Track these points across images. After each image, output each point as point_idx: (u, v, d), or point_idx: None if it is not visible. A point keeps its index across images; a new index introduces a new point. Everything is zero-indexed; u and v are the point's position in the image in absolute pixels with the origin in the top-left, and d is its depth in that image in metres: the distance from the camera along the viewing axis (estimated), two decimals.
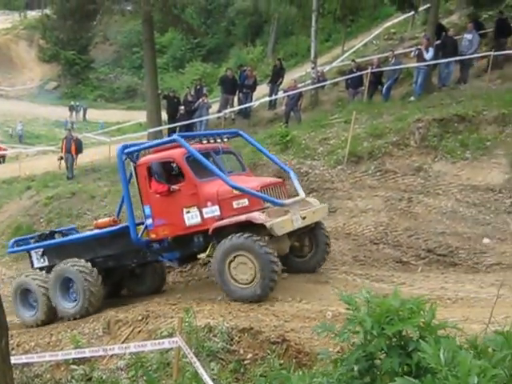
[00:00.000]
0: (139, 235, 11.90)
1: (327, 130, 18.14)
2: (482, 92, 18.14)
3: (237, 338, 8.67)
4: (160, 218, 11.55)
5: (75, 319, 11.99)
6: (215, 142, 12.17)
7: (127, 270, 13.42)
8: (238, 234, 10.44)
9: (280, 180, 12.13)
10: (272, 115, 24.60)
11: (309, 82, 25.78)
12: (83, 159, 25.75)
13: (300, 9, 33.26)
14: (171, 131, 25.48)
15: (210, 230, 10.85)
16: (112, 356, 9.30)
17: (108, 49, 66.17)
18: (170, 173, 11.72)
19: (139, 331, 10.01)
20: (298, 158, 16.50)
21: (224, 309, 10.05)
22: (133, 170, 11.91)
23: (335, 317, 8.69)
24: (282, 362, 7.88)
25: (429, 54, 19.78)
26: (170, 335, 8.64)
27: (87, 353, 9.04)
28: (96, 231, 13.15)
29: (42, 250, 13.45)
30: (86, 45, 60.14)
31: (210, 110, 25.25)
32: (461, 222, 13.28)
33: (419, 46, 20.72)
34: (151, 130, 24.94)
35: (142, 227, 11.96)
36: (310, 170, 15.90)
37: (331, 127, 18.21)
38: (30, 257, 13.68)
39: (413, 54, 20.90)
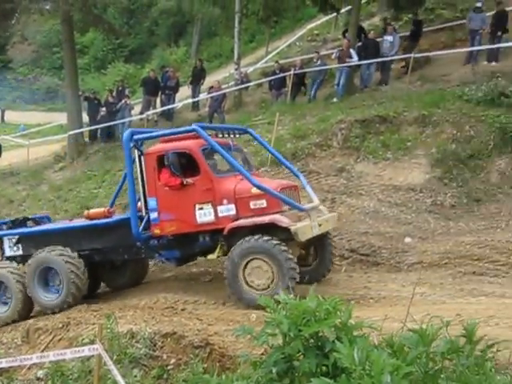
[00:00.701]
0: (140, 229, 11.00)
1: None
2: (402, 93, 18.58)
3: (160, 344, 8.52)
4: (167, 213, 10.76)
5: (54, 313, 11.15)
6: (228, 136, 11.45)
7: (109, 263, 12.59)
8: (257, 236, 9.87)
9: (295, 184, 11.50)
10: (195, 117, 24.45)
11: (232, 83, 25.79)
12: (1, 162, 24.93)
13: (223, 10, 33.23)
14: (92, 133, 25.07)
15: (226, 230, 10.23)
16: (32, 366, 8.97)
17: (27, 49, 64.16)
18: (181, 165, 10.84)
19: (60, 339, 9.73)
20: None
21: (147, 314, 9.89)
22: (137, 158, 11.08)
23: (259, 319, 8.64)
24: (205, 366, 7.78)
25: (353, 56, 20.10)
26: (91, 342, 8.38)
27: (4, 363, 8.68)
28: (87, 222, 12.12)
29: (16, 237, 12.36)
30: (3, 44, 58.16)
31: (133, 112, 24.91)
32: (383, 222, 13.51)
33: (341, 48, 21.02)
34: (72, 132, 24.37)
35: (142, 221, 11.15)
36: None
37: (255, 128, 18.13)
38: (1, 244, 12.51)
39: (334, 55, 21.18)
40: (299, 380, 3.78)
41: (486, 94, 16.11)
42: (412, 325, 5.09)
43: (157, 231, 10.87)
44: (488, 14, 20.98)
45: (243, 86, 24.77)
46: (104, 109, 24.37)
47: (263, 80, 25.01)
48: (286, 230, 9.82)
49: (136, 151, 11.09)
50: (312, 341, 3.72)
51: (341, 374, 3.40)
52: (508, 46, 19.46)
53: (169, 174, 10.69)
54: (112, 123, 23.77)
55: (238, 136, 11.81)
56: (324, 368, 3.66)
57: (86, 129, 25.26)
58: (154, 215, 10.82)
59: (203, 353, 8.05)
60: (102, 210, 12.47)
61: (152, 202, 10.85)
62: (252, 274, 9.91)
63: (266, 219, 10.01)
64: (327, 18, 31.66)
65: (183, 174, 10.60)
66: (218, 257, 10.79)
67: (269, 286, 9.79)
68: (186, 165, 10.80)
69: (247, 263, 9.89)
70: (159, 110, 25.37)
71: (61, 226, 12.61)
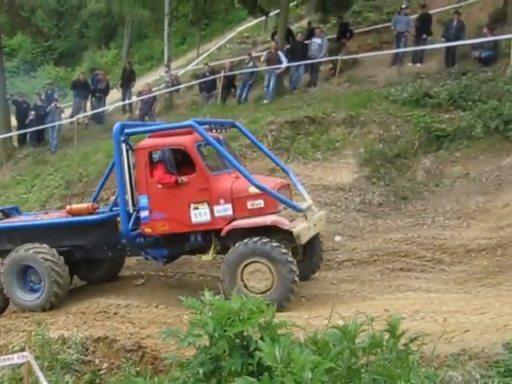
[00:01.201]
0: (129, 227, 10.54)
1: None
2: (330, 95, 18.88)
3: (92, 348, 8.42)
4: (160, 212, 10.31)
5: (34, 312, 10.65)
6: (217, 132, 11.00)
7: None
8: (255, 239, 9.59)
9: (288, 182, 11.30)
10: (127, 119, 24.19)
11: (163, 85, 25.64)
12: None
13: (153, 12, 33.04)
14: (21, 137, 24.48)
15: (225, 232, 9.92)
16: None
17: None
18: (176, 162, 10.49)
19: None
20: None
21: (79, 319, 9.75)
22: (125, 153, 10.51)
23: None
24: (138, 369, 7.74)
25: (282, 58, 20.31)
26: (22, 350, 8.20)
27: None
28: (70, 218, 11.45)
29: None
30: None
31: (63, 115, 24.42)
32: None
33: (270, 50, 21.18)
34: (0, 137, 23.74)
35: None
36: None
37: None
38: None
39: (263, 58, 21.33)
40: (226, 380, 3.82)
41: (412, 94, 16.53)
42: (339, 322, 5.23)
43: (148, 230, 10.45)
44: (413, 16, 21.56)
45: (174, 88, 24.65)
46: (33, 112, 23.79)
47: (194, 82, 24.93)
48: (287, 232, 9.64)
49: (124, 146, 10.56)
50: (237, 341, 3.75)
51: (265, 372, 3.45)
52: (432, 47, 20.07)
53: (163, 170, 10.33)
54: (41, 127, 23.18)
55: (227, 131, 11.59)
56: (250, 367, 3.71)
57: (14, 133, 24.54)
58: (144, 213, 10.39)
59: (135, 356, 8.01)
60: (85, 205, 11.95)
61: (143, 200, 10.41)
62: (251, 278, 9.67)
63: (267, 221, 9.78)
64: (257, 20, 31.88)
65: (177, 172, 10.27)
66: (214, 258, 10.57)
67: (268, 290, 9.57)
68: (180, 162, 10.49)
69: (245, 266, 9.65)
70: (90, 113, 24.94)
71: (42, 221, 11.72)
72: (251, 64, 22.07)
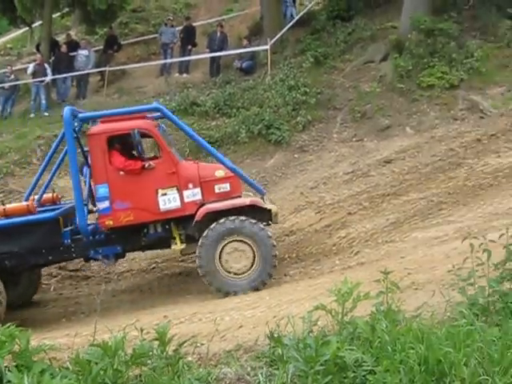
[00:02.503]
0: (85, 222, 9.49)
1: None
2: (100, 106, 18.60)
3: None
4: (122, 201, 9.50)
5: None
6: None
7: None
8: (232, 218, 9.35)
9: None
10: None
11: None
12: None
13: None
14: None
15: (201, 215, 9.43)
16: None
17: None
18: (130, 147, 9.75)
19: None
20: None
21: None
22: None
23: None
24: None
25: (48, 71, 19.69)
26: None
27: None
28: (4, 220, 9.89)
29: None
30: None
31: None
32: None
33: (37, 62, 20.41)
34: None
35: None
36: None
37: None
38: None
39: (29, 70, 20.48)
40: None
41: (180, 103, 16.88)
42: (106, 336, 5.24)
43: (109, 222, 9.60)
44: (178, 28, 22.12)
45: None
46: None
47: None
48: (265, 211, 9.71)
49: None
50: None
51: None
52: (197, 58, 20.75)
53: (124, 157, 9.62)
54: None
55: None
56: None
57: None
58: (104, 204, 9.55)
59: None
60: (22, 204, 10.44)
61: (101, 190, 9.53)
62: (230, 258, 9.47)
63: (246, 201, 9.68)
64: (22, 31, 30.44)
65: (134, 157, 9.63)
66: (187, 247, 9.89)
67: (250, 268, 9.46)
68: (130, 147, 9.82)
69: (223, 247, 9.42)
70: None
71: None
72: (12, 77, 21.05)
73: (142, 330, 4.65)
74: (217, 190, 9.85)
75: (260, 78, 17.63)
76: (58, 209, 10.34)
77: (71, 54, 21.14)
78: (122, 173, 9.58)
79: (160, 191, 9.61)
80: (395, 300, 5.30)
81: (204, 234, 9.47)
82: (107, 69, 20.26)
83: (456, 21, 16.62)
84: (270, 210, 9.87)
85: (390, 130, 14.59)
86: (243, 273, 9.52)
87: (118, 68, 21.10)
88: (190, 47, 21.35)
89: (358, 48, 17.70)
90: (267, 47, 17.86)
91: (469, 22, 16.74)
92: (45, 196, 10.92)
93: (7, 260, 9.86)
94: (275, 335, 5.20)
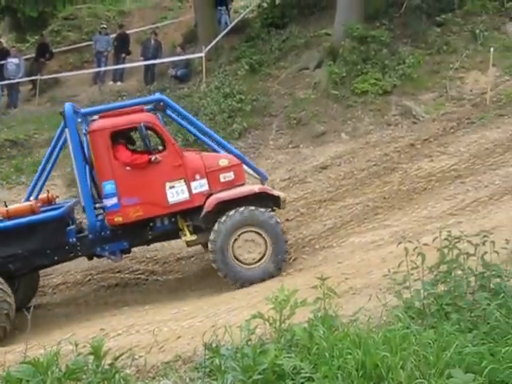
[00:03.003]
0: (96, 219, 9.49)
1: None
2: (32, 116, 18.27)
3: None
4: (130, 197, 9.44)
5: None
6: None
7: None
8: (242, 208, 9.42)
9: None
10: None
11: None
12: None
13: None
14: None
15: (212, 205, 9.50)
16: None
17: None
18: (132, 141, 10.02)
19: None
20: None
21: None
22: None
23: None
24: None
25: None
26: None
27: None
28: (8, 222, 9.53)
29: None
30: None
31: None
32: None
33: None
34: None
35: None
36: None
37: None
38: None
39: None
40: None
41: None
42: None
43: (118, 219, 9.52)
44: (112, 36, 21.86)
45: None
46: None
47: None
48: (273, 198, 9.90)
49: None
50: None
51: None
52: (131, 66, 20.55)
53: (129, 151, 9.68)
54: None
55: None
56: None
57: None
58: (112, 201, 9.45)
59: None
60: (25, 204, 10.00)
61: (108, 186, 9.41)
62: (243, 248, 9.51)
63: (255, 189, 9.83)
64: None
65: (137, 152, 9.75)
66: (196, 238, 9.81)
67: (262, 258, 9.55)
68: (131, 141, 10.12)
69: (236, 239, 9.47)
70: None
71: None
72: None
73: (76, 345, 4.53)
74: (222, 179, 9.91)
75: (195, 86, 17.57)
76: (58, 208, 10.14)
77: (1, 62, 20.60)
78: (128, 168, 9.54)
79: (168, 184, 9.61)
80: (333, 306, 5.32)
81: (222, 221, 9.51)
82: (39, 77, 19.86)
83: (388, 28, 16.92)
84: (278, 197, 10.04)
85: (325, 136, 14.70)
86: (253, 263, 9.61)
87: (50, 76, 20.69)
88: (123, 55, 21.20)
89: (293, 55, 17.82)
90: (202, 55, 17.83)
91: (400, 30, 17.07)
92: (40, 196, 10.53)
93: (11, 263, 9.66)
94: (213, 345, 5.16)
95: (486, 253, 5.21)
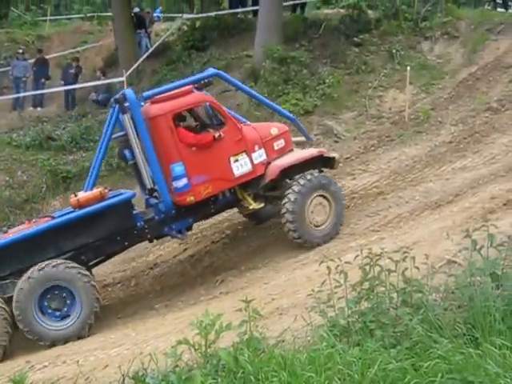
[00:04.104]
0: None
1: None
2: None
3: None
4: (199, 175, 9.80)
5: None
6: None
7: None
8: (316, 174, 10.25)
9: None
10: None
11: None
12: None
13: None
14: None
15: (276, 174, 10.19)
16: None
17: None
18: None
19: None
20: None
21: None
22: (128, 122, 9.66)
23: None
24: None
25: None
26: None
27: None
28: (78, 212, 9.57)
29: None
30: None
31: None
32: None
33: None
34: None
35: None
36: None
37: None
38: None
39: None
40: None
41: (34, 138, 16.40)
42: None
43: (190, 198, 9.84)
44: (30, 61, 21.46)
45: None
46: None
47: None
48: (329, 160, 10.72)
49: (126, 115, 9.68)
50: None
51: None
52: (51, 91, 20.17)
53: (191, 131, 10.05)
54: None
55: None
56: None
57: None
58: (182, 182, 9.75)
59: None
60: (95, 191, 9.88)
61: (178, 168, 9.70)
62: (314, 211, 10.11)
63: (315, 152, 10.67)
64: None
65: (198, 130, 10.17)
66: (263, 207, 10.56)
67: (326, 221, 10.25)
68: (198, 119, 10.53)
69: (312, 200, 10.07)
70: None
71: (35, 229, 9.50)
72: None
73: None
74: (276, 147, 10.54)
75: None
76: (119, 194, 10.28)
77: None
78: (194, 148, 9.85)
79: (232, 158, 10.04)
80: (258, 328, 5.30)
81: (299, 186, 10.02)
82: None
83: (307, 49, 17.26)
84: (334, 158, 10.83)
85: None
86: (321, 225, 10.25)
87: None
88: (43, 80, 20.85)
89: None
90: (123, 79, 17.71)
91: (319, 50, 17.41)
92: (88, 194, 10.20)
93: (83, 254, 9.74)
94: (139, 373, 5.07)
95: (406, 269, 5.29)
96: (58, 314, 9.24)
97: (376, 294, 5.25)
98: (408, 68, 14.35)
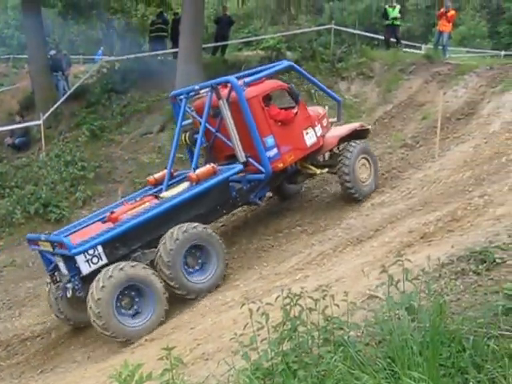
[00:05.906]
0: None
1: None
2: None
3: None
4: (285, 145, 11.75)
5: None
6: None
7: None
8: (362, 142, 12.85)
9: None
10: None
11: None
12: None
13: None
14: None
15: (336, 142, 12.72)
16: None
17: None
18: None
19: None
20: None
21: None
22: (224, 105, 11.24)
23: None
24: None
25: None
26: None
27: None
28: (198, 186, 10.95)
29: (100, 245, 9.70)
30: None
31: None
32: None
33: None
34: None
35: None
36: None
37: None
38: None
39: None
40: None
41: None
42: None
43: (280, 165, 11.70)
44: None
45: None
46: None
47: None
48: (367, 131, 13.35)
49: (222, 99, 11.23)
50: None
51: None
52: None
53: (278, 109, 11.86)
54: None
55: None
56: None
57: None
58: (273, 152, 11.56)
59: None
60: (208, 167, 11.39)
61: (270, 140, 11.49)
62: (360, 170, 12.56)
63: (357, 125, 13.23)
64: None
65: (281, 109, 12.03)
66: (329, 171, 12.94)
67: (367, 179, 12.72)
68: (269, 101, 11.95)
69: (359, 161, 12.50)
70: None
71: (167, 204, 10.63)
72: None
73: None
74: (324, 124, 12.78)
75: (34, 155, 17.09)
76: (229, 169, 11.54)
77: None
78: (279, 123, 11.76)
79: (304, 132, 12.15)
80: (183, 375, 5.15)
81: (351, 149, 12.46)
82: None
83: None
84: (368, 130, 13.47)
85: None
86: (365, 181, 12.69)
87: None
88: None
89: (135, 120, 17.83)
90: (40, 122, 17.36)
91: None
92: (203, 169, 11.41)
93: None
94: None
95: (326, 306, 5.27)
96: (198, 268, 10.53)
97: (298, 334, 5.20)
98: (326, 107, 14.63)
